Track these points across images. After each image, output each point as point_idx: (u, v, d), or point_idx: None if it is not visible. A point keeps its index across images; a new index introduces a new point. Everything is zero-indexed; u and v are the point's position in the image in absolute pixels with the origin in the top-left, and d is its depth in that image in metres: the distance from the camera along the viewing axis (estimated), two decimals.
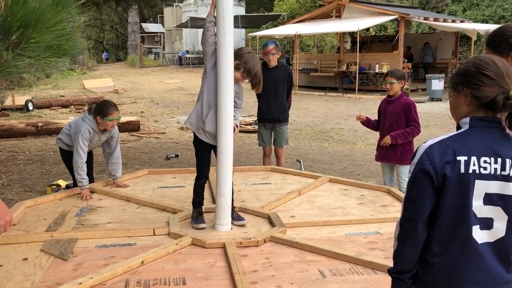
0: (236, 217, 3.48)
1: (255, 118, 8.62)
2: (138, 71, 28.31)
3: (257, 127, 5.90)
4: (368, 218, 3.62)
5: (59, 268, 2.74)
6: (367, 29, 21.21)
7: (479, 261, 1.52)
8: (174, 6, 34.45)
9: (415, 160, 1.55)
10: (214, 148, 3.41)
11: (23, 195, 5.27)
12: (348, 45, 20.61)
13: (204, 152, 3.52)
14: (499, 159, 1.50)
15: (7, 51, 1.19)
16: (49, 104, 13.73)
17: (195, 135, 3.48)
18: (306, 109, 13.38)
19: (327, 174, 5.40)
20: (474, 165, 1.49)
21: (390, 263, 1.66)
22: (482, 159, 1.49)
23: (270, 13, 29.40)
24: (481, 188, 1.49)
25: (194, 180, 3.58)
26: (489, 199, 1.50)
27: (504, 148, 1.52)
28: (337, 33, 20.90)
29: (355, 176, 6.10)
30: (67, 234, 3.21)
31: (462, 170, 1.48)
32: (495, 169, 1.49)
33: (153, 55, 37.38)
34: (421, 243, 1.56)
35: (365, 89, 17.22)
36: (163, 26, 38.70)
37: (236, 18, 27.83)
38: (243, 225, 3.44)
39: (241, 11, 29.56)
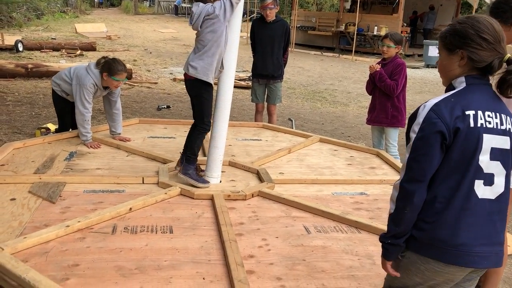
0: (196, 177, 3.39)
1: (249, 74, 8.52)
2: (132, 18, 27.62)
3: (250, 83, 5.84)
4: (355, 179, 3.67)
5: (47, 210, 2.76)
6: None
7: (485, 217, 1.53)
8: None
9: (420, 118, 1.51)
10: None
11: (11, 137, 5.23)
12: (348, 5, 20.19)
13: (212, 98, 3.32)
14: (498, 114, 1.53)
15: None
16: (40, 46, 13.41)
17: (204, 84, 3.22)
18: (301, 68, 13.25)
19: (318, 134, 5.42)
20: (481, 119, 1.50)
21: (374, 224, 1.67)
22: (487, 113, 1.51)
23: None
24: (488, 142, 1.50)
25: (185, 132, 3.47)
26: (494, 153, 1.52)
27: (500, 105, 1.56)
28: None
29: (346, 138, 6.13)
30: (55, 177, 3.21)
31: (472, 124, 1.48)
32: (497, 124, 1.52)
33: (148, 2, 36.40)
34: (421, 204, 1.54)
35: (361, 51, 17.03)
36: None
37: None
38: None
39: None
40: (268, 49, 5.32)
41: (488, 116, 1.50)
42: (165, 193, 3.06)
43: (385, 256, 1.65)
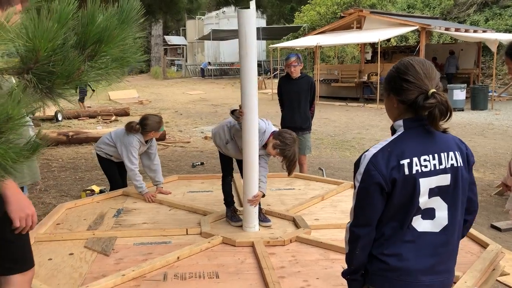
0: (263, 218, 3.69)
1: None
2: (161, 82, 28.90)
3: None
4: None
5: (102, 262, 2.99)
6: (388, 40, 21.31)
7: (426, 249, 1.65)
8: (196, 19, 35.14)
9: (361, 169, 1.64)
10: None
11: (59, 200, 5.57)
12: (369, 56, 20.73)
13: (228, 158, 3.87)
14: (436, 155, 1.63)
15: (84, 63, 1.43)
16: (77, 115, 14.23)
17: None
18: (327, 119, 13.55)
19: (349, 181, 5.56)
20: (416, 165, 1.60)
21: None
22: (422, 158, 1.61)
23: (291, 25, 29.74)
24: (425, 185, 1.62)
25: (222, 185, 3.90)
26: (432, 192, 1.64)
27: (438, 144, 1.65)
28: (357, 43, 21.06)
29: None
30: (107, 232, 3.46)
31: (406, 172, 1.59)
32: (434, 165, 1.62)
33: (175, 67, 38.06)
34: (371, 244, 1.68)
35: None
36: (186, 39, 39.43)
37: (257, 30, 28.19)
38: (269, 226, 3.65)
39: (262, 23, 29.97)
40: (295, 104, 5.61)
41: (424, 160, 1.61)
42: (209, 242, 3.26)
43: None
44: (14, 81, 1.84)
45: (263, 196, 3.64)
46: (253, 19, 3.29)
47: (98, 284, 2.58)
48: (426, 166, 1.61)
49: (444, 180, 1.64)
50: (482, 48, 18.73)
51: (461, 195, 1.69)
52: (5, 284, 2.20)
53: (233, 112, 3.50)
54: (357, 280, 1.77)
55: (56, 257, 3.06)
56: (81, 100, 15.85)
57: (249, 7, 3.30)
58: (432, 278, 1.67)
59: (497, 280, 3.54)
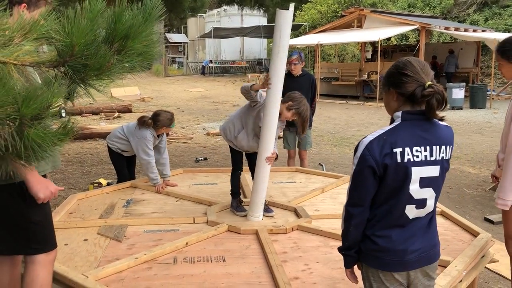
0: (265, 208, 3.86)
1: None
2: (163, 80, 29.03)
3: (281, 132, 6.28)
4: None
5: (116, 247, 3.17)
6: (388, 39, 21.47)
7: (414, 232, 1.84)
8: (198, 16, 35.24)
9: (358, 154, 1.80)
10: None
11: (68, 192, 5.75)
12: (369, 54, 20.88)
13: (238, 153, 4.04)
14: (428, 147, 1.79)
15: (113, 57, 1.60)
16: (80, 111, 14.39)
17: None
18: (327, 117, 13.72)
19: (348, 175, 5.72)
20: (408, 154, 1.75)
21: None
22: (414, 148, 1.77)
23: (292, 23, 29.83)
24: (416, 173, 1.78)
25: (225, 178, 4.09)
26: (423, 182, 1.80)
27: (431, 137, 1.81)
28: (358, 42, 21.21)
29: None
30: (118, 220, 3.64)
31: (399, 160, 1.76)
32: (425, 156, 1.79)
33: (176, 65, 38.17)
34: (364, 223, 1.86)
35: None
36: (187, 36, 39.54)
37: (259, 28, 28.36)
38: (271, 216, 3.83)
39: (263, 21, 30.14)
40: None
41: (416, 151, 1.76)
42: (215, 230, 3.43)
43: (344, 265, 2.01)
44: (38, 77, 2.02)
45: (276, 158, 3.78)
46: (290, 20, 3.40)
47: (113, 266, 2.76)
48: (417, 156, 1.78)
49: (434, 171, 1.82)
50: (482, 47, 18.89)
51: (442, 184, 1.90)
52: (30, 263, 2.38)
53: (250, 87, 3.68)
54: (351, 256, 1.95)
55: (71, 242, 3.24)
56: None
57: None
58: (419, 253, 1.86)
59: (487, 268, 3.73)
